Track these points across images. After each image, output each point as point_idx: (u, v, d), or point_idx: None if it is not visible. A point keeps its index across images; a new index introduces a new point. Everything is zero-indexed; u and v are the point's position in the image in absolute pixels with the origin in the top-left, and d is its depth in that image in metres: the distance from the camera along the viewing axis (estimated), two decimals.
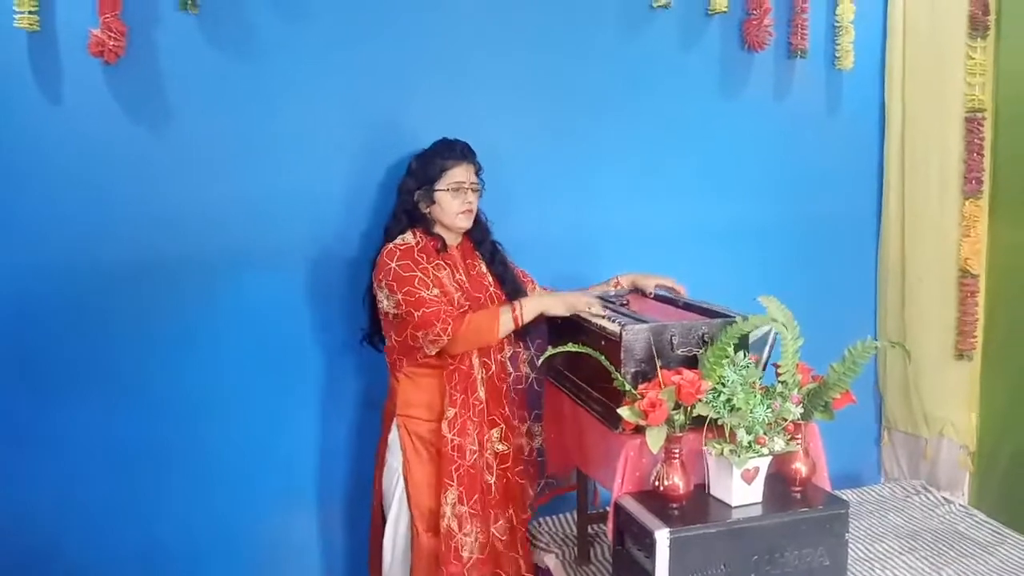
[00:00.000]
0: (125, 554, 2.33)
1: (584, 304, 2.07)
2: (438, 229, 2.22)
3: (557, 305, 2.12)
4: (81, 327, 2.25)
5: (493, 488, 2.17)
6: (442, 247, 2.20)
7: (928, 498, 2.78)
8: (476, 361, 2.15)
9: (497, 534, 2.18)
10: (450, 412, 2.12)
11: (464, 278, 2.21)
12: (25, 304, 2.21)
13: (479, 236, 2.31)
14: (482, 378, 2.17)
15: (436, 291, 2.09)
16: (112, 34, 2.10)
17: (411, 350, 2.12)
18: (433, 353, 2.09)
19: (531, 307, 2.11)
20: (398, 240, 2.17)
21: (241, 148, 2.33)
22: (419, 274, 2.09)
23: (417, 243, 2.17)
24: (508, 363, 2.26)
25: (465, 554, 2.11)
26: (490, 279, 2.28)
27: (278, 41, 2.33)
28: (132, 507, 2.33)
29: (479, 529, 2.14)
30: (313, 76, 2.36)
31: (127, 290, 2.28)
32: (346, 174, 2.43)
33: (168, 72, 2.24)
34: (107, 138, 2.21)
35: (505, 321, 2.08)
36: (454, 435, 2.12)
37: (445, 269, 2.17)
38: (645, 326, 1.86)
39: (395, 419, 2.19)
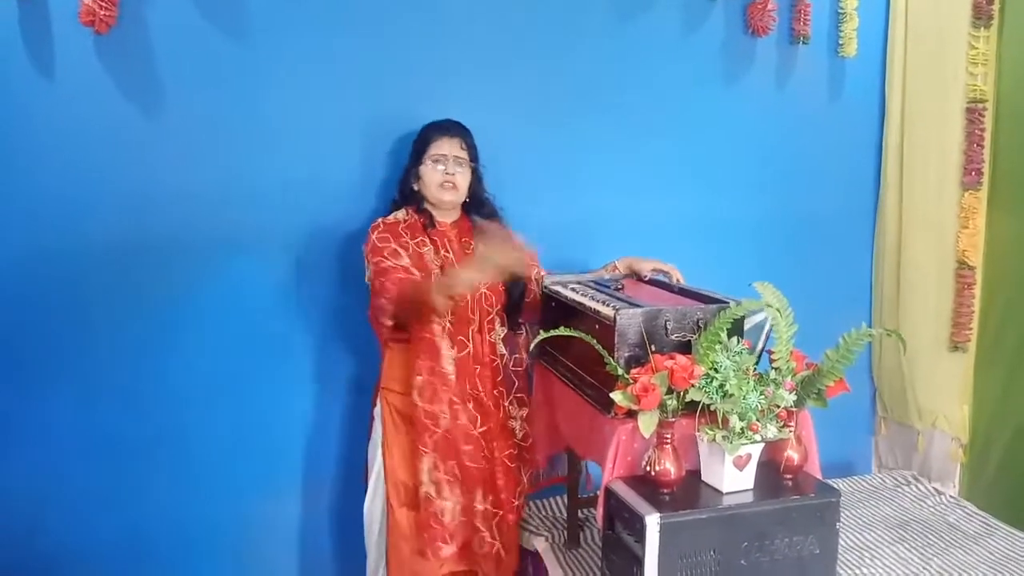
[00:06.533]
0: (108, 543, 2.32)
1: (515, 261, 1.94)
2: (426, 206, 2.21)
3: (471, 281, 1.95)
4: (62, 310, 2.22)
5: (470, 457, 2.13)
6: (429, 223, 2.18)
7: (919, 489, 2.78)
8: (440, 330, 2.09)
9: (478, 507, 2.15)
10: (418, 380, 2.09)
11: (453, 257, 2.17)
12: (4, 286, 2.17)
13: (483, 217, 2.26)
14: (450, 353, 2.11)
15: (405, 261, 2.06)
16: (103, 3, 2.06)
17: (376, 323, 2.11)
18: (388, 323, 2.04)
19: (462, 283, 1.93)
20: (389, 216, 2.17)
21: (234, 126, 2.29)
22: (394, 245, 2.07)
23: (406, 219, 2.17)
24: (500, 344, 2.22)
25: (447, 519, 2.10)
26: None
27: (274, 17, 2.29)
28: (116, 495, 2.31)
29: (460, 493, 2.12)
30: (309, 54, 2.33)
31: (110, 272, 2.24)
32: (340, 157, 2.39)
33: (161, 44, 2.20)
34: (96, 110, 2.17)
35: (438, 287, 1.92)
36: (425, 403, 2.09)
37: (428, 246, 2.15)
38: (639, 310, 1.84)
39: (379, 392, 2.20)
